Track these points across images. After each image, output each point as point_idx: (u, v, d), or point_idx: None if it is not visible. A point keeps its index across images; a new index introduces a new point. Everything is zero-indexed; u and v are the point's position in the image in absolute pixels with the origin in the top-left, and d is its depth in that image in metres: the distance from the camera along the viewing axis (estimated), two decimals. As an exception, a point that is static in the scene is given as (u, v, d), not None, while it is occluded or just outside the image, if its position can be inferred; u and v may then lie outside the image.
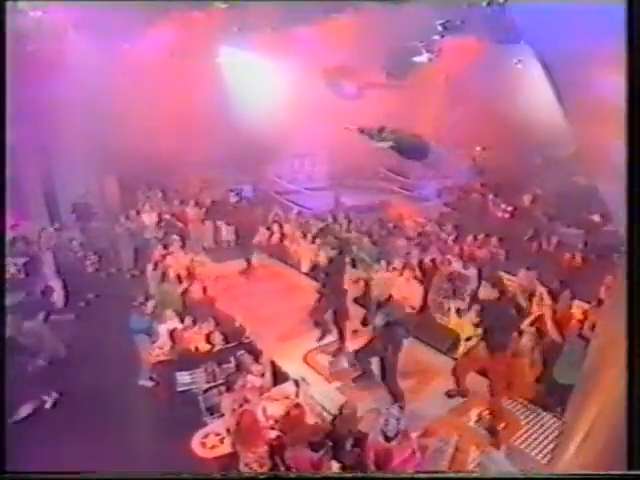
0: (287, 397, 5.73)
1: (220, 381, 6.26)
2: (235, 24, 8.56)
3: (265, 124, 10.78)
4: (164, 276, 8.15)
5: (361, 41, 8.74)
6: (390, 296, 7.29)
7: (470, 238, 9.67)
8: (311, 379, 6.15)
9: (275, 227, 10.17)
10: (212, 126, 10.61)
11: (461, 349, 6.04)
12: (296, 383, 5.88)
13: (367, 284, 7.85)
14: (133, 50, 9.76)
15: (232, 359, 6.42)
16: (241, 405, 5.74)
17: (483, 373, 5.66)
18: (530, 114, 11.33)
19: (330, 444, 4.34)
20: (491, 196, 13.00)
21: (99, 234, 10.01)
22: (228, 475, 4.94)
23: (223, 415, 5.77)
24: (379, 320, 5.77)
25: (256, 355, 6.44)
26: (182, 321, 7.20)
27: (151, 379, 7.10)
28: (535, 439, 5.31)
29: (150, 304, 7.33)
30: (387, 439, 4.43)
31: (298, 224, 10.35)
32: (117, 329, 7.66)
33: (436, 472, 4.56)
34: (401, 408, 5.38)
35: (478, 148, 13.60)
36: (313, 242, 8.92)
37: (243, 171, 13.47)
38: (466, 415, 5.61)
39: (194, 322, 7.27)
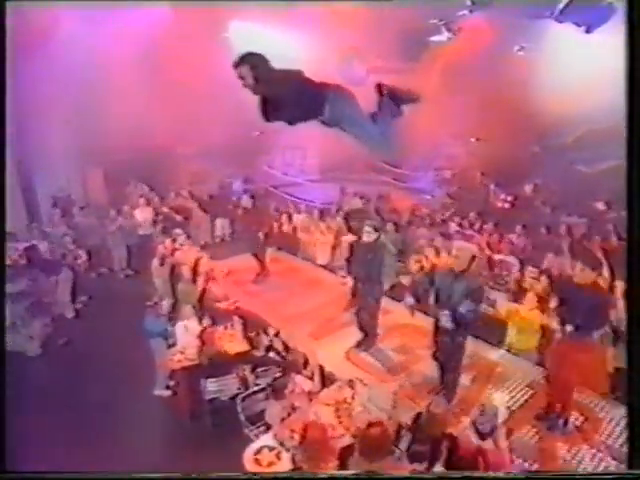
0: (342, 401, 5.09)
1: (261, 386, 5.51)
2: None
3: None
4: (173, 272, 7.30)
5: (379, 18, 8.21)
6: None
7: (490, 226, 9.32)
8: (363, 379, 5.52)
9: (284, 218, 9.47)
10: (213, 110, 9.78)
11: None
12: (351, 384, 5.24)
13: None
14: (125, 30, 8.80)
15: (273, 362, 5.69)
16: (289, 414, 5.06)
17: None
18: (530, 102, 11.19)
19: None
20: (492, 186, 12.78)
21: (89, 231, 9.02)
22: (232, 475, 4.36)
23: (269, 425, 5.08)
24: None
25: (299, 356, 5.74)
26: (200, 321, 6.43)
27: (167, 388, 6.32)
28: (619, 432, 4.89)
29: (165, 303, 6.47)
30: (481, 436, 3.85)
31: (310, 216, 9.67)
32: (125, 332, 6.86)
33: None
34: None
35: (472, 139, 13.42)
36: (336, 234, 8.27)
37: (237, 163, 12.73)
38: (538, 411, 5.15)
39: (213, 322, 6.53)
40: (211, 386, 5.75)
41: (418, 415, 4.30)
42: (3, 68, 3.45)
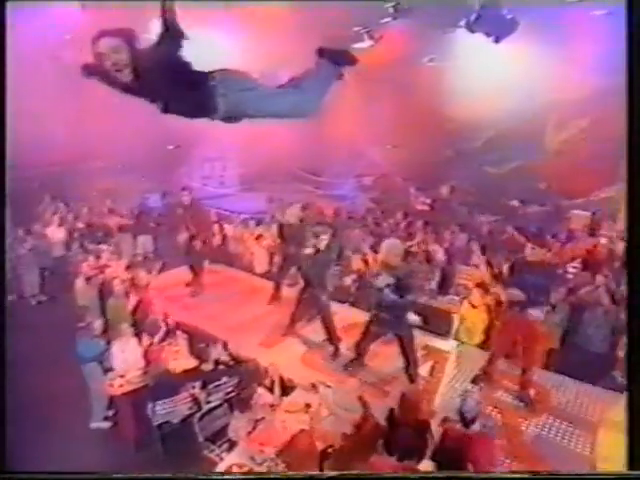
0: (308, 406, 4.88)
1: (217, 402, 5.12)
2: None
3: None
4: (102, 289, 6.63)
5: (304, 25, 8.23)
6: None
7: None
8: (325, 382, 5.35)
9: (216, 229, 9.03)
10: (126, 122, 9.11)
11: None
12: (314, 388, 5.05)
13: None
14: (28, 32, 7.91)
15: (227, 375, 5.31)
16: (254, 427, 4.75)
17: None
18: (443, 109, 11.95)
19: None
20: (412, 190, 13.35)
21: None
22: (229, 475, 4.25)
23: (232, 442, 4.72)
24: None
25: (255, 366, 5.43)
26: (140, 340, 5.88)
27: (106, 418, 5.68)
28: (569, 405, 5.22)
29: (98, 324, 5.81)
30: (466, 424, 3.85)
31: (244, 225, 9.36)
32: (45, 364, 6.09)
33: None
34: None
35: (389, 146, 13.99)
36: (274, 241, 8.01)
37: (154, 177, 12.06)
38: (497, 390, 5.36)
39: (151, 338, 6.01)
40: (160, 409, 5.25)
41: (392, 411, 4.22)
42: (3, 68, 3.39)
